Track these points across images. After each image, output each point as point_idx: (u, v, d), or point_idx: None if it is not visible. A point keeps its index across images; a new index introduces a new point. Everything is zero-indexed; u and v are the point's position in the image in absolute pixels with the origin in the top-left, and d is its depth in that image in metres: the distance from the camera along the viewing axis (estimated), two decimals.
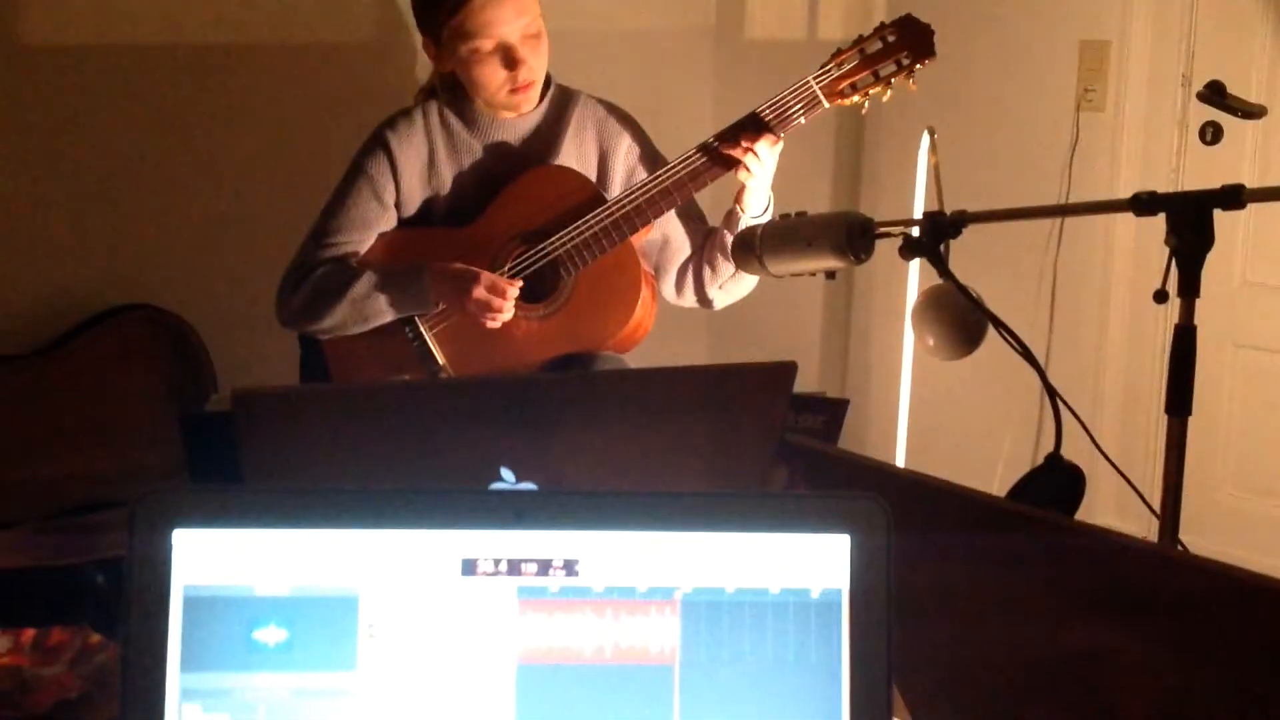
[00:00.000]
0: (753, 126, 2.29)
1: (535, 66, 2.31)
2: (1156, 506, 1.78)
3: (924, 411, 3.04)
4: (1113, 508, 3.09)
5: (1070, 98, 3.23)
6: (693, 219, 2.48)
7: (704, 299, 2.48)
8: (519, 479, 1.32)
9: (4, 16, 3.05)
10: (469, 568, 0.74)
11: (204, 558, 0.72)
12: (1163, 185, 3.16)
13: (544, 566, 0.75)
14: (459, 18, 2.24)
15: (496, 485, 1.24)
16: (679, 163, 2.33)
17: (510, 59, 2.27)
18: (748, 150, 2.27)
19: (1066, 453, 1.78)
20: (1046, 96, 3.32)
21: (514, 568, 0.74)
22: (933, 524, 1.16)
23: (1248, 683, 1.07)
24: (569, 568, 0.75)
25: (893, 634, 0.75)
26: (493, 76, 2.29)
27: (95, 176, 3.20)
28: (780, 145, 2.31)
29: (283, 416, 1.48)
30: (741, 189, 2.34)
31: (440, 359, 2.36)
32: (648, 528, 0.75)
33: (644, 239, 2.42)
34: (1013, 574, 1.21)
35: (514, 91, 2.31)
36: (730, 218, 2.38)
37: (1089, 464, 1.78)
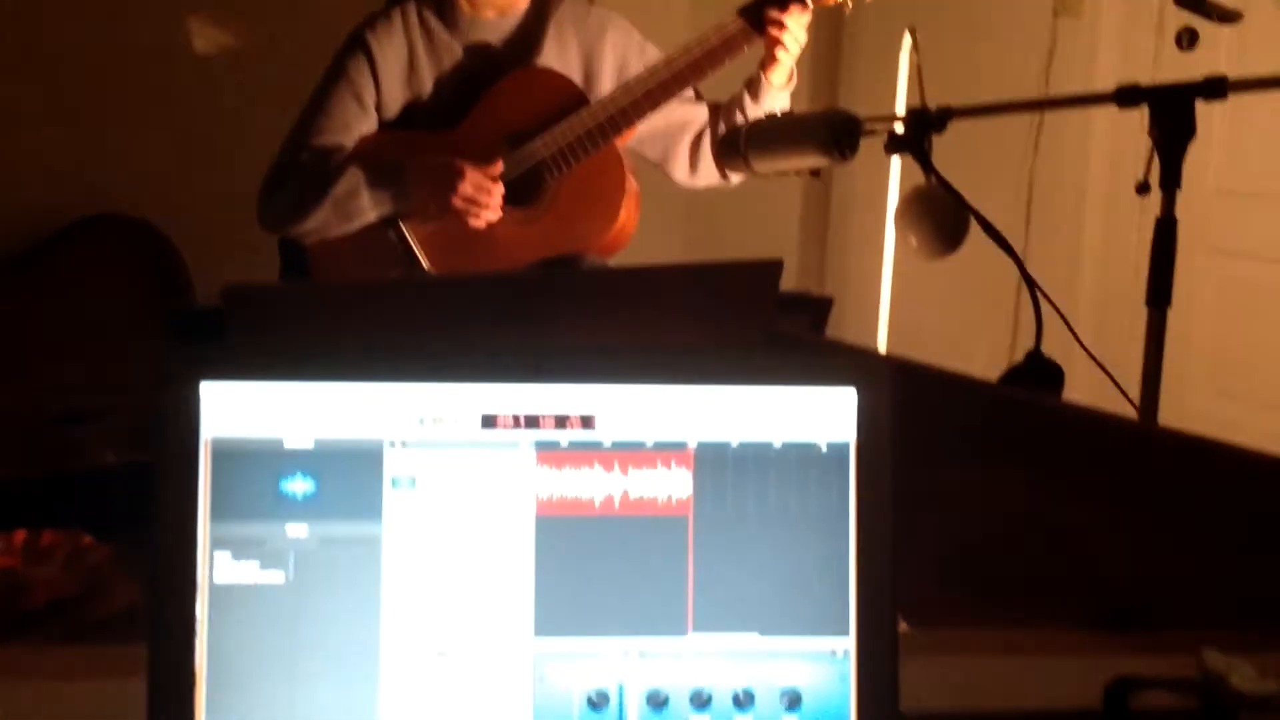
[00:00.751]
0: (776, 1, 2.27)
1: None
2: (1134, 401, 1.82)
3: (902, 311, 3.07)
4: (1086, 402, 3.13)
5: (1047, 4, 3.24)
6: (693, 99, 2.46)
7: (724, 172, 2.46)
8: None
9: None
10: (489, 421, 0.76)
11: (231, 410, 0.74)
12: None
13: (561, 420, 0.77)
14: None
15: None
16: (664, 64, 2.32)
17: None
18: (775, 18, 2.25)
19: (1043, 350, 1.81)
20: (1024, 2, 3.32)
21: (532, 421, 0.77)
22: (924, 408, 1.18)
23: (1225, 549, 1.11)
24: (586, 422, 0.77)
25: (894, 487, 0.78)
26: None
27: (70, 87, 3.16)
28: (808, 17, 2.28)
29: (274, 312, 1.49)
30: (769, 61, 2.32)
31: (424, 262, 2.37)
32: (663, 382, 0.77)
33: (645, 128, 2.40)
34: (1003, 454, 1.25)
35: None
36: (753, 85, 2.36)
37: (1066, 361, 1.81)
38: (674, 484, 0.77)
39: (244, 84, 3.38)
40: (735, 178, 2.43)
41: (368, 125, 2.39)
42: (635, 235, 2.46)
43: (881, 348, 2.97)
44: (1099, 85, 3.27)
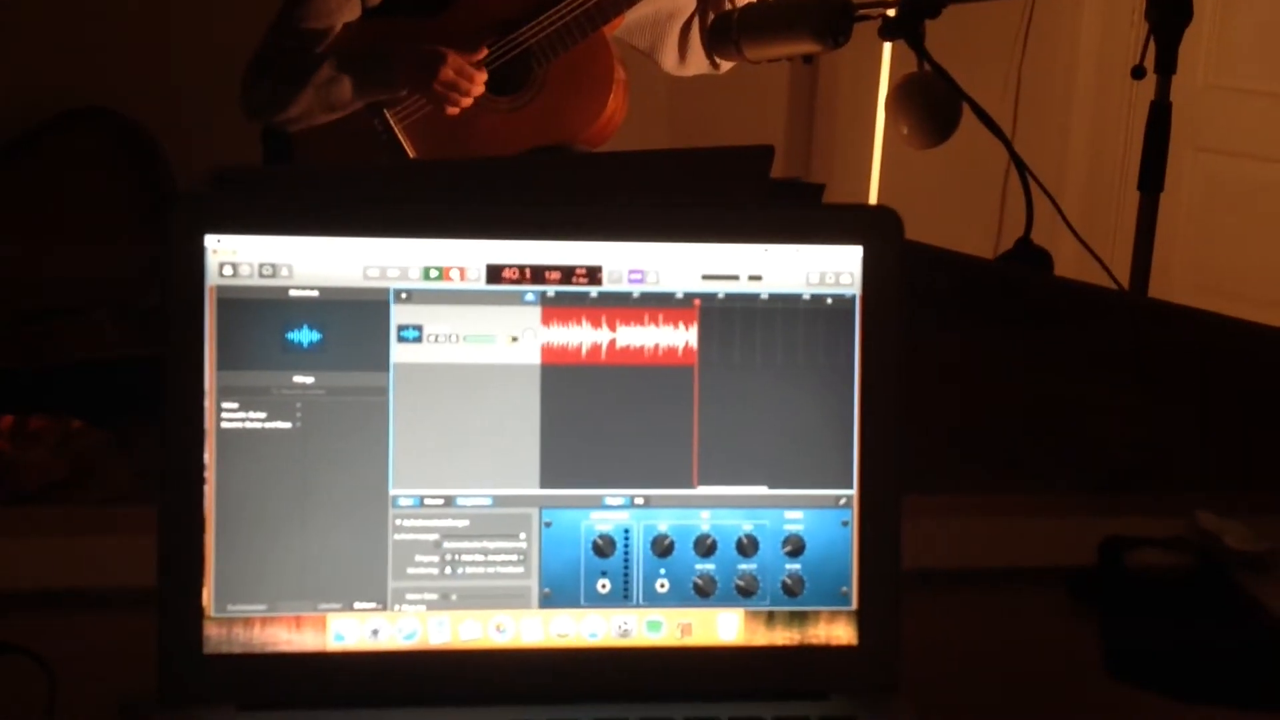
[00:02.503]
0: None
1: None
2: (1122, 286, 1.83)
3: (889, 199, 3.06)
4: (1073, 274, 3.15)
5: None
6: None
7: (713, 60, 2.42)
8: None
9: None
10: (495, 273, 0.76)
11: (236, 261, 0.74)
12: None
13: (567, 273, 0.77)
14: None
15: None
16: None
17: None
18: None
19: (1031, 238, 1.82)
20: None
21: (538, 274, 0.77)
22: (928, 287, 1.19)
23: (1220, 418, 1.12)
24: (591, 274, 0.77)
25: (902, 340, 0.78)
26: None
27: None
28: None
29: (263, 195, 1.48)
30: None
31: (410, 151, 2.34)
32: (668, 238, 0.77)
33: (633, 16, 2.37)
34: (1004, 327, 1.25)
35: None
36: None
37: (1054, 248, 1.82)
38: (679, 336, 0.77)
39: None
40: (725, 66, 2.40)
41: (351, 12, 2.35)
42: (623, 126, 2.44)
43: None
44: None
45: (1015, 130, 3.24)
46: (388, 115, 2.33)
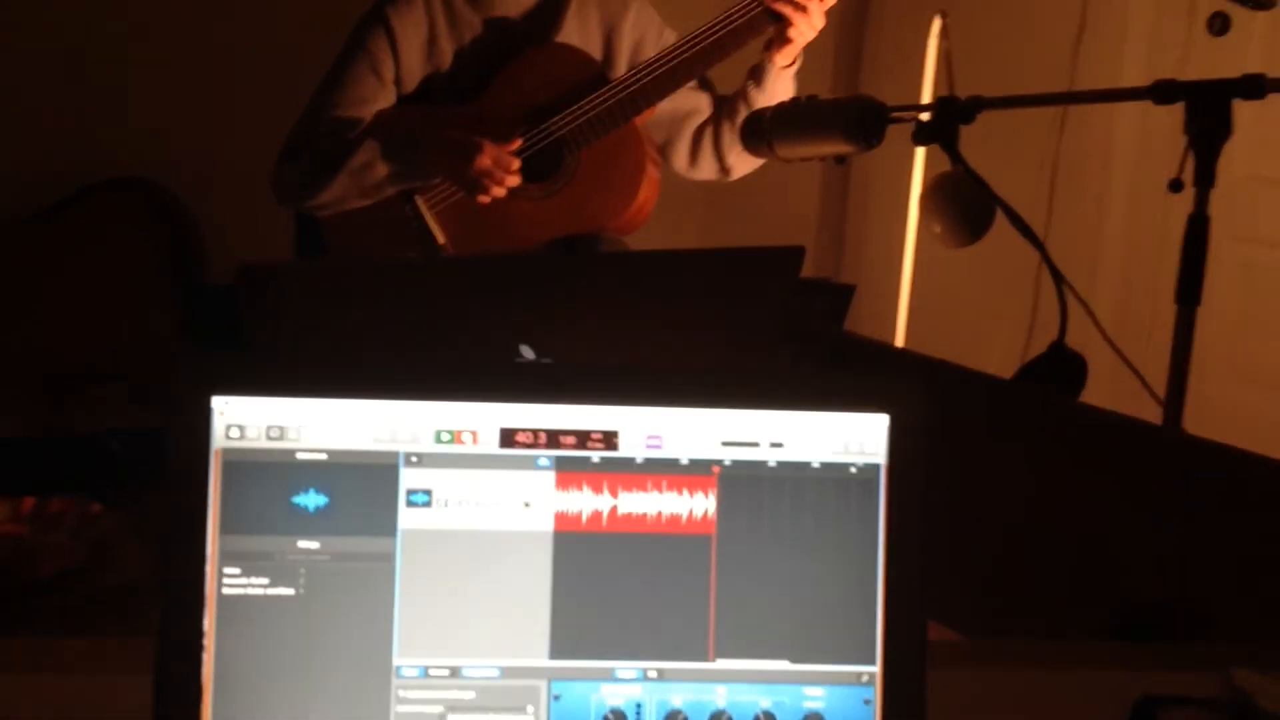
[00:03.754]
0: None
1: None
2: (1158, 395, 1.79)
3: (920, 298, 3.04)
4: (1107, 395, 3.10)
5: None
6: (704, 86, 2.43)
7: (723, 166, 2.43)
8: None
9: None
10: (508, 438, 0.74)
11: (242, 423, 0.72)
12: (1169, 73, 3.13)
13: (582, 438, 0.74)
14: None
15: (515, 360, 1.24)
16: (685, 42, 2.28)
17: None
18: (800, 6, 2.21)
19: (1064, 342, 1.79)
20: None
21: (553, 439, 0.74)
22: (951, 409, 1.16)
23: (1256, 562, 1.09)
24: (607, 439, 0.74)
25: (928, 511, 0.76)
26: None
27: (95, 47, 3.14)
28: (831, 3, 2.25)
29: (290, 290, 1.47)
30: (779, 43, 2.28)
31: (440, 238, 2.34)
32: (688, 403, 0.75)
33: (653, 111, 2.38)
34: (1028, 456, 1.22)
35: None
36: (758, 71, 2.33)
37: (1085, 352, 1.79)
38: (697, 504, 0.75)
39: (269, 54, 3.35)
40: (737, 171, 2.41)
41: (385, 99, 2.36)
42: (653, 216, 2.43)
43: (900, 335, 2.94)
44: (1129, 67, 3.23)
45: (1048, 231, 3.22)
46: (418, 201, 2.33)
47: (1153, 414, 1.80)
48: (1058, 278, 1.76)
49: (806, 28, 2.24)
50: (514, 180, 2.25)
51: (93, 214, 3.19)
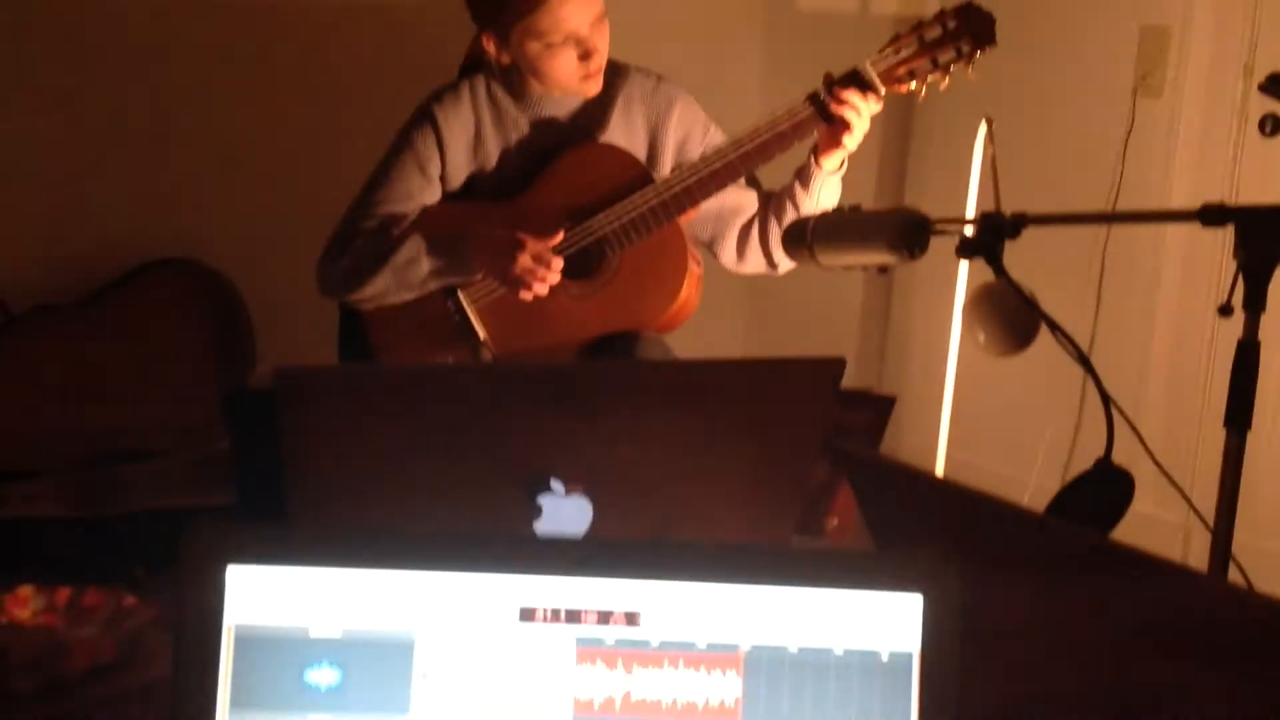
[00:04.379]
0: (856, 83, 2.23)
1: (605, 50, 2.27)
2: (1205, 519, 1.75)
3: (962, 406, 3.00)
4: (1151, 505, 3.04)
5: (1128, 84, 3.16)
6: (751, 183, 2.43)
7: (770, 261, 2.42)
8: (563, 474, 1.30)
9: None
10: (527, 615, 0.72)
11: (256, 596, 0.70)
12: (1220, 178, 3.09)
13: (604, 616, 0.72)
14: (531, 18, 2.20)
15: (545, 497, 1.22)
16: (731, 144, 2.28)
17: (584, 50, 2.24)
18: (849, 105, 2.21)
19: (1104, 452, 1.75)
20: (1104, 82, 3.25)
21: (573, 616, 0.72)
22: (991, 549, 1.13)
23: None
24: (630, 618, 0.72)
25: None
26: (564, 67, 2.26)
27: (147, 131, 3.19)
28: (879, 107, 2.25)
29: (324, 396, 1.46)
30: (827, 147, 2.28)
31: (481, 333, 2.34)
32: (712, 580, 0.72)
33: (699, 209, 2.38)
34: (1075, 603, 1.18)
35: (586, 78, 2.28)
36: (804, 174, 2.33)
37: (1129, 466, 1.75)
38: (723, 686, 0.72)
39: (322, 138, 3.39)
40: (783, 267, 2.39)
41: (431, 195, 2.37)
42: (696, 318, 2.42)
43: (942, 445, 2.90)
44: (1177, 169, 3.20)
45: (1094, 344, 3.18)
46: (461, 297, 2.34)
47: (1199, 532, 1.76)
48: (1105, 398, 1.73)
49: (857, 130, 2.25)
50: (555, 278, 2.25)
51: (142, 295, 3.22)
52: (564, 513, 1.24)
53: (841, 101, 2.22)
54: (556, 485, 1.23)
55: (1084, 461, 1.79)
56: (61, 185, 3.12)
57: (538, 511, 1.26)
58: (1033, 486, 3.12)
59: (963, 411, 2.96)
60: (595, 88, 2.32)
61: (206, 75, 3.23)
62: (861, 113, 2.22)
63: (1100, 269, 3.16)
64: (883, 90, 2.23)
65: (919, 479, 1.36)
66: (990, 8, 2.22)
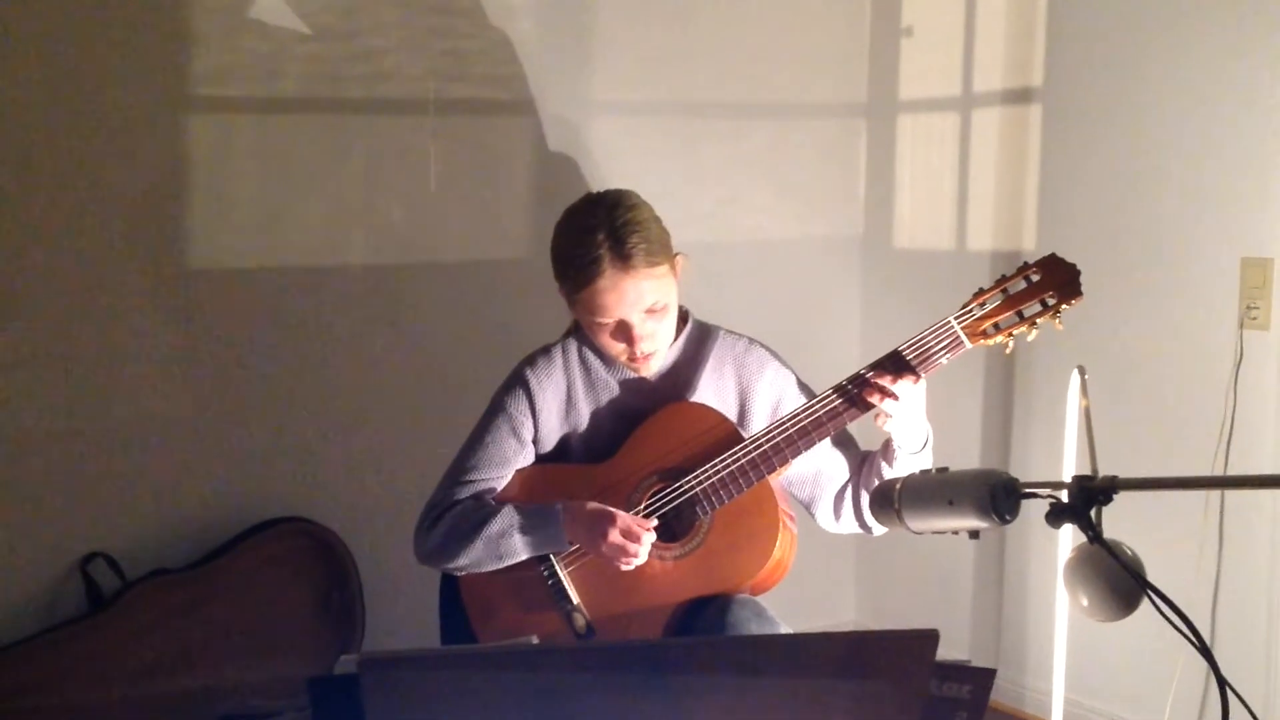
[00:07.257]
0: (892, 366, 2.24)
1: (656, 336, 2.32)
2: None
3: (1079, 651, 2.86)
4: None
5: (1233, 317, 3.10)
6: (845, 444, 2.43)
7: (863, 524, 2.41)
8: None
9: (175, 238, 3.20)
10: None
11: None
12: None
13: None
14: (584, 294, 2.28)
15: None
16: (817, 403, 2.28)
17: (628, 336, 2.29)
18: (884, 393, 2.22)
19: None
20: (1208, 317, 3.19)
21: None
22: None
23: None
24: None
25: None
26: (611, 345, 2.33)
27: (256, 397, 3.30)
28: (922, 384, 2.25)
29: (409, 681, 1.47)
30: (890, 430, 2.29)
31: (575, 598, 2.33)
32: None
33: (794, 470, 2.37)
34: None
35: (631, 359, 2.34)
36: (886, 448, 2.32)
37: None
38: None
39: (423, 400, 3.48)
40: (877, 531, 2.36)
41: (524, 460, 2.40)
42: (807, 583, 2.37)
43: (1059, 709, 2.76)
44: None
45: (1218, 599, 3.01)
46: (555, 562, 2.34)
47: None
48: (1221, 682, 1.62)
49: (896, 411, 2.25)
50: (647, 548, 2.24)
51: (253, 556, 3.28)
52: None
53: (869, 389, 2.23)
54: None
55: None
56: (171, 454, 3.23)
57: None
58: None
59: (1080, 656, 2.81)
60: (644, 369, 2.36)
61: (316, 341, 3.36)
62: (897, 395, 2.22)
63: (1220, 508, 3.04)
64: (921, 375, 2.23)
65: None
66: (1087, 252, 2.20)
